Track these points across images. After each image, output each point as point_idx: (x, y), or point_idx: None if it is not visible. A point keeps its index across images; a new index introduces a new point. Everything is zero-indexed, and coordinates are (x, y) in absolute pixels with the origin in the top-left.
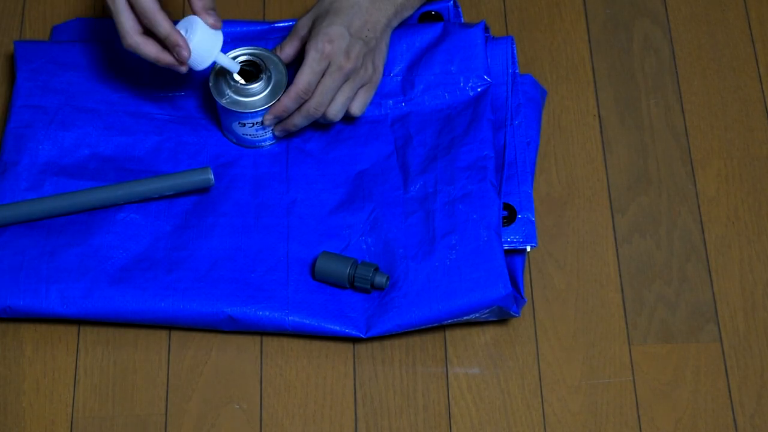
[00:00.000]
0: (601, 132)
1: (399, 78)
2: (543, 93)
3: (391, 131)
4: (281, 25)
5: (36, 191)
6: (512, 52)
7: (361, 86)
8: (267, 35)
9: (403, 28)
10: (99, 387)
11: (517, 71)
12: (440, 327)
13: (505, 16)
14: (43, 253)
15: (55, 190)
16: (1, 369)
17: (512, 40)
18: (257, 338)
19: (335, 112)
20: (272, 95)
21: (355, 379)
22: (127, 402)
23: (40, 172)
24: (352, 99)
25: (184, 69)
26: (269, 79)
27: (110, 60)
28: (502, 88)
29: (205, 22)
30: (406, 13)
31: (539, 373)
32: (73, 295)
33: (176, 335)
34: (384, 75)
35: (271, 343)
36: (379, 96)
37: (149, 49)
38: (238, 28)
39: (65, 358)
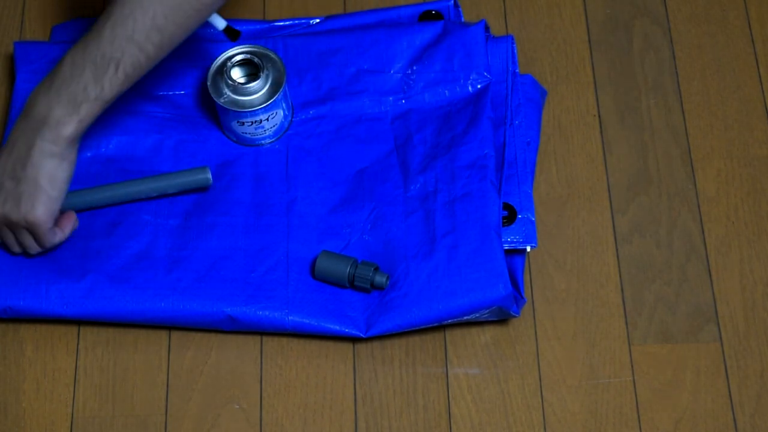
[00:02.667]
0: (601, 132)
1: (399, 75)
2: (543, 93)
3: (391, 129)
4: (281, 23)
5: None
6: (512, 51)
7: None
8: (267, 34)
9: (403, 27)
10: (99, 387)
11: (517, 70)
12: (440, 327)
13: (505, 16)
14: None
15: None
16: (1, 369)
17: (512, 39)
18: (257, 338)
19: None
20: (270, 93)
21: (355, 379)
22: (127, 402)
23: None
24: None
25: None
26: (267, 77)
27: None
28: (502, 86)
29: None
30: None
31: (539, 373)
32: (73, 295)
33: (176, 335)
34: (384, 72)
35: (271, 343)
36: (379, 93)
37: None
38: (238, 27)
39: (65, 358)
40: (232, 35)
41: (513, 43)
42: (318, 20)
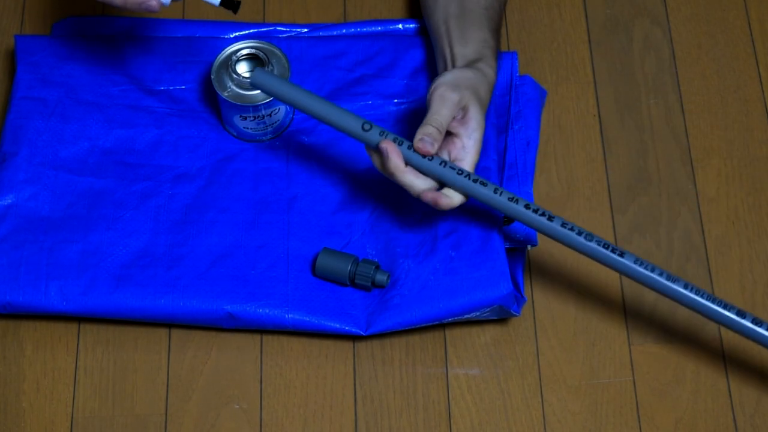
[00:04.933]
0: (601, 132)
1: (404, 82)
2: (543, 93)
3: (393, 130)
4: (282, 27)
5: (34, 183)
6: (515, 66)
7: None
8: (267, 34)
9: (409, 38)
10: (99, 387)
11: (517, 82)
12: (440, 327)
13: (506, 17)
14: (42, 248)
15: (53, 184)
16: (1, 369)
17: (515, 55)
18: (257, 338)
19: None
20: None
21: (355, 379)
22: (127, 402)
23: (39, 164)
24: None
25: (154, 3)
26: (272, 72)
27: (110, 53)
28: (505, 99)
29: None
30: None
31: (539, 373)
32: (72, 291)
33: (176, 335)
34: (389, 78)
35: (271, 343)
36: (383, 96)
37: None
38: (236, 30)
39: (65, 358)
40: (233, 7)
41: (516, 60)
42: (311, 30)
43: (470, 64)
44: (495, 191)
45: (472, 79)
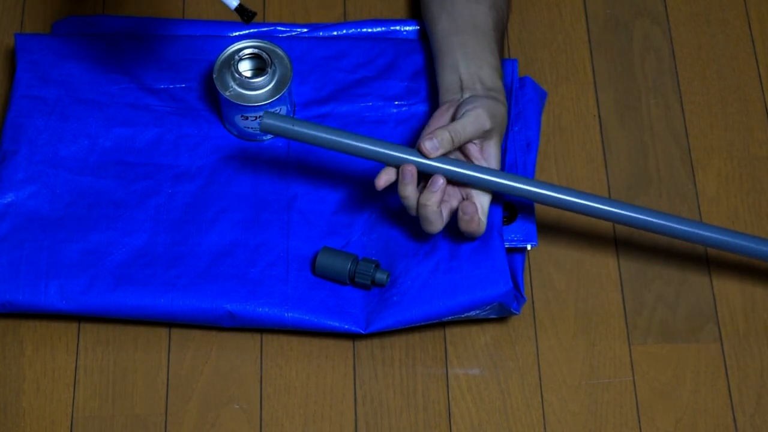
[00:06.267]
0: (601, 132)
1: (404, 84)
2: (543, 95)
3: (394, 133)
4: (282, 27)
5: (34, 182)
6: (516, 73)
7: None
8: (267, 34)
9: (411, 43)
10: (99, 387)
11: (517, 85)
12: (440, 326)
13: None
14: (42, 247)
15: (53, 183)
16: (1, 369)
17: (516, 62)
18: (257, 338)
19: None
20: (276, 89)
21: (355, 379)
22: (127, 402)
23: (39, 163)
24: None
25: None
26: (274, 73)
27: (111, 52)
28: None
29: None
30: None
31: (539, 373)
32: (72, 290)
33: (176, 335)
34: (389, 80)
35: (272, 343)
36: (384, 98)
37: None
38: (236, 31)
39: (65, 358)
40: (246, 16)
41: (516, 67)
42: (311, 30)
43: (489, 92)
44: (520, 178)
45: (502, 116)
